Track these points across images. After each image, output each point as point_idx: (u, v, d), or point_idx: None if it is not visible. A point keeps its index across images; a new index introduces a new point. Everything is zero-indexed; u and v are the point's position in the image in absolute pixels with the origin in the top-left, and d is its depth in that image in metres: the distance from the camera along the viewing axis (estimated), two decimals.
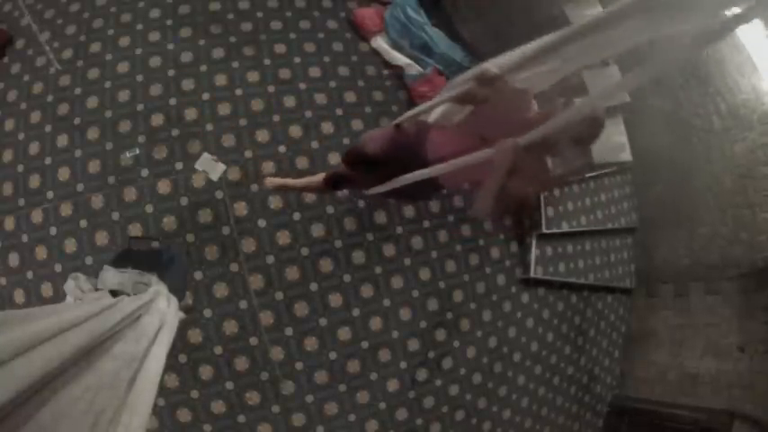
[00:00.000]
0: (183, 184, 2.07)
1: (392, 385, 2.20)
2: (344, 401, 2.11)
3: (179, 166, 2.09)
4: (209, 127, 2.15)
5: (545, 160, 1.35)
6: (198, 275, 2.00)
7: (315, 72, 2.38)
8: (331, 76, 2.40)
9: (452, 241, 2.41)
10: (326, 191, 1.95)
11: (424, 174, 1.29)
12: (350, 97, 2.40)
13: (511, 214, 2.56)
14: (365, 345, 2.16)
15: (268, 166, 2.16)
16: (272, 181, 2.06)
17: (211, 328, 1.98)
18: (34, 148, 2.08)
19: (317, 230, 2.16)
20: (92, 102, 2.13)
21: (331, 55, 2.45)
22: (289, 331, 2.06)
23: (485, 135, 1.25)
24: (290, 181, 2.04)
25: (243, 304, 2.02)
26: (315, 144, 2.26)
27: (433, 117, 1.52)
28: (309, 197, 2.17)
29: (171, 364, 1.92)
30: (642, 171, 2.97)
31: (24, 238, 2.00)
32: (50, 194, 2.03)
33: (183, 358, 1.94)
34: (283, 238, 2.11)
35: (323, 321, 2.11)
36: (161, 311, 1.20)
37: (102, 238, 1.99)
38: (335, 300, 2.14)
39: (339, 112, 2.35)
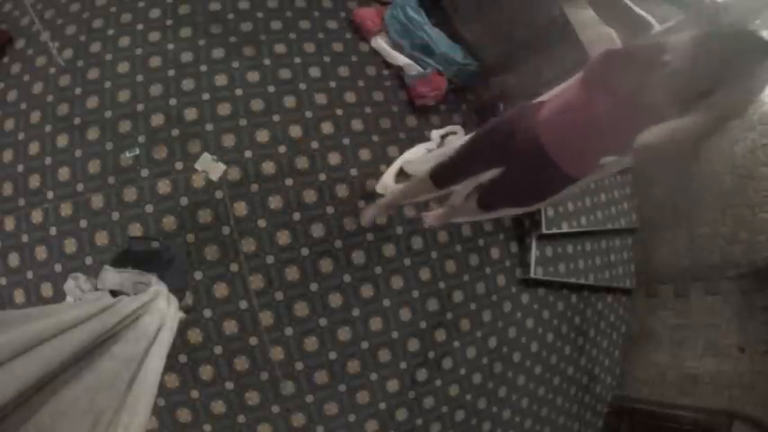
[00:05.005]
0: (183, 184, 2.07)
1: (392, 385, 2.20)
2: (344, 401, 2.11)
3: (179, 166, 2.09)
4: (209, 127, 2.15)
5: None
6: (198, 275, 2.00)
7: (315, 72, 2.38)
8: (331, 76, 2.40)
9: (452, 241, 2.41)
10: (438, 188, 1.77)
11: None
12: (350, 97, 2.40)
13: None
14: (365, 345, 2.16)
15: (268, 166, 2.16)
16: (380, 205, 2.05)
17: (211, 328, 1.98)
18: (34, 148, 2.08)
19: (317, 230, 2.16)
20: (92, 102, 2.13)
21: (331, 55, 2.45)
22: (289, 331, 2.06)
23: (610, 85, 1.10)
24: (396, 196, 1.98)
25: (243, 304, 2.02)
26: (315, 144, 2.26)
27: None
28: (309, 197, 2.18)
29: (171, 364, 1.92)
30: (642, 171, 2.97)
31: (24, 238, 2.00)
32: (50, 194, 2.03)
33: (183, 358, 1.94)
34: (283, 238, 2.11)
35: (323, 321, 2.11)
36: (161, 311, 1.21)
37: (102, 238, 1.99)
38: (335, 300, 2.14)
39: (339, 112, 2.35)
